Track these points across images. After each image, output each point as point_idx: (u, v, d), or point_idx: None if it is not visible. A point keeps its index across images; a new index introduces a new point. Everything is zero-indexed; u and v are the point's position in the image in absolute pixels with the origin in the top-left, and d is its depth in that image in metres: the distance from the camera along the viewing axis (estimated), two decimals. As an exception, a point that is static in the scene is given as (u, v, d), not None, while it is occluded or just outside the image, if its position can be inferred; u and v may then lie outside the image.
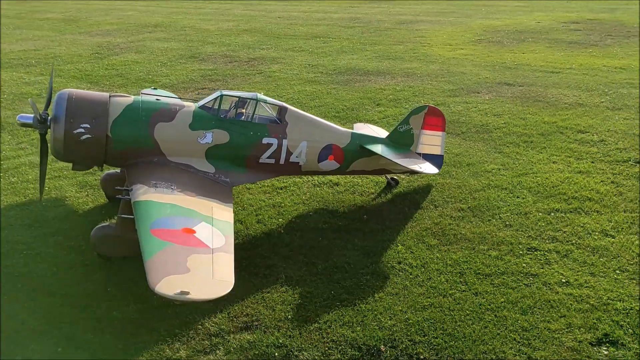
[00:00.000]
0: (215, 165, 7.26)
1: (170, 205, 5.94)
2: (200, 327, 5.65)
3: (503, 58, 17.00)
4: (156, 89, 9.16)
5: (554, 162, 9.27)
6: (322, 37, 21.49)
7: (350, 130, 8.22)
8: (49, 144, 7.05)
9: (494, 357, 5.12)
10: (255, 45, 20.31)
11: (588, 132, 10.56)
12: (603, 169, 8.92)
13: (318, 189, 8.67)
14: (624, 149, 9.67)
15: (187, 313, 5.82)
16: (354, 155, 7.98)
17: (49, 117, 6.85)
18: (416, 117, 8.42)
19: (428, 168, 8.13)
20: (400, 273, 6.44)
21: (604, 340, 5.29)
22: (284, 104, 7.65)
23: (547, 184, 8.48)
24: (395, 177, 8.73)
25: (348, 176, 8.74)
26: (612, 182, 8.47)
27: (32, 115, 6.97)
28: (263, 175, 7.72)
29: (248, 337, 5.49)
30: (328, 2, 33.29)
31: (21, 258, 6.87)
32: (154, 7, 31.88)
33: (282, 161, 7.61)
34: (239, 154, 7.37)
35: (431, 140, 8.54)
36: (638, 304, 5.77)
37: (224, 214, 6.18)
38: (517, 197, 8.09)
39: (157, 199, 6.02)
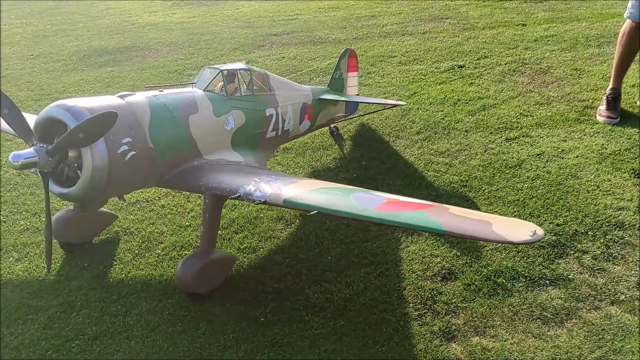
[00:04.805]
0: (240, 153, 6.26)
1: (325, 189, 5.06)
2: (414, 296, 5.22)
3: (210, 20, 17.39)
4: None
5: (413, 82, 10.68)
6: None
7: (308, 86, 7.94)
8: (56, 183, 4.91)
9: (591, 209, 6.32)
10: None
11: (396, 55, 12.29)
12: (450, 77, 10.78)
13: (278, 157, 8.12)
14: (439, 61, 11.75)
15: (380, 301, 5.26)
16: (317, 109, 7.85)
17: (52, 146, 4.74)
18: (343, 61, 8.68)
19: (396, 102, 8.66)
20: (461, 189, 6.98)
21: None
22: (265, 70, 6.94)
23: (436, 96, 9.85)
24: (336, 125, 8.82)
25: (295, 140, 8.36)
26: (470, 84, 10.43)
27: (32, 149, 4.63)
28: (268, 152, 6.99)
29: (463, 283, 5.38)
30: None
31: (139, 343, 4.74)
32: None
33: (280, 132, 7.04)
34: (254, 132, 6.52)
35: (352, 82, 8.94)
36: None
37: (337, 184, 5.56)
38: (439, 111, 9.25)
39: (298, 188, 5.03)
